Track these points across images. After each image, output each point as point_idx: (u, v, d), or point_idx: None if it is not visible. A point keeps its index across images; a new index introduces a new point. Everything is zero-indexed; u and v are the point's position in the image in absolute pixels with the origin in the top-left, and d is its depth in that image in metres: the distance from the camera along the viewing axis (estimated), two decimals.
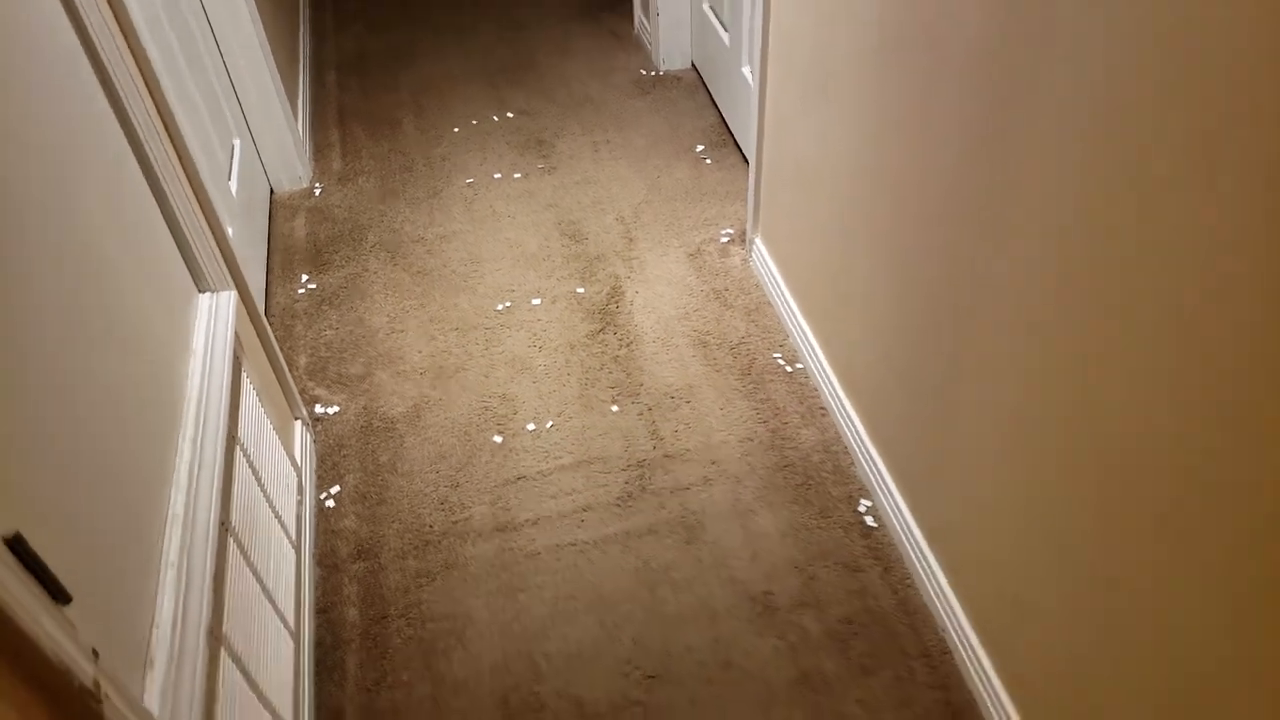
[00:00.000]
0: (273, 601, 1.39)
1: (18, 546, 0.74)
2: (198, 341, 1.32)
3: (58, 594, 0.78)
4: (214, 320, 1.38)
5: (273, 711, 1.27)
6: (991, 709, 1.41)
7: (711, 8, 2.68)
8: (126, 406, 1.02)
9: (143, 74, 1.29)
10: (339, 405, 1.97)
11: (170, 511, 1.09)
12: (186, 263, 1.31)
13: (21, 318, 0.84)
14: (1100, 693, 1.15)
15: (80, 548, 0.85)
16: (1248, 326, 0.81)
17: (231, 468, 1.31)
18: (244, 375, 1.47)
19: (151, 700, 0.92)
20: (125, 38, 1.25)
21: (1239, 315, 0.82)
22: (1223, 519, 0.88)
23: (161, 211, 1.26)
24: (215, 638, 1.13)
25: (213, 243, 1.39)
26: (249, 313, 1.58)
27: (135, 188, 1.21)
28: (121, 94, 1.19)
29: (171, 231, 1.28)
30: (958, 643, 1.49)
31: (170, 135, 1.34)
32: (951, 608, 1.50)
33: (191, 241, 1.30)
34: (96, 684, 0.78)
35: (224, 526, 1.24)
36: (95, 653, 0.80)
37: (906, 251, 1.44)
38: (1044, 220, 1.07)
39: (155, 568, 1.01)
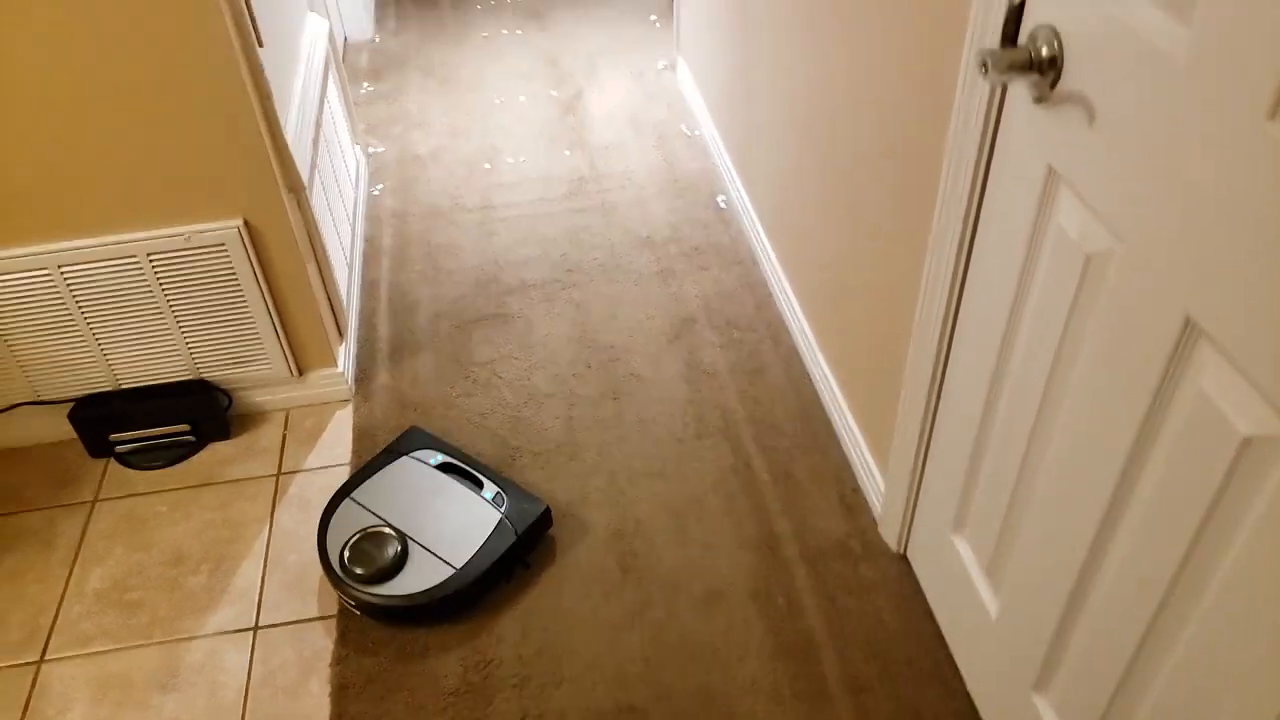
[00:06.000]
0: (341, 199, 2.35)
1: (247, 5, 1.68)
2: (304, 39, 2.28)
3: (259, 38, 1.72)
4: (316, 30, 2.34)
5: (340, 240, 2.22)
6: (771, 280, 2.31)
7: None
8: (288, 16, 1.98)
9: None
10: (384, 147, 2.93)
11: (294, 88, 2.04)
12: None
13: None
14: (802, 231, 2.06)
15: (270, 40, 1.79)
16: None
17: (321, 113, 2.26)
18: (330, 78, 2.43)
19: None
20: None
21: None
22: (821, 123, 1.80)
23: None
24: (313, 164, 2.08)
25: None
26: (334, 54, 2.54)
27: None
28: None
29: None
30: (760, 254, 2.40)
31: None
32: (759, 234, 2.40)
33: None
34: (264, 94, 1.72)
35: (317, 126, 2.19)
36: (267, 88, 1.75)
37: (736, 39, 2.37)
38: (775, 25, 2.00)
39: (292, 83, 1.96)
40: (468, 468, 1.81)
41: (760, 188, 2.36)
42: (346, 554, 1.66)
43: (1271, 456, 0.79)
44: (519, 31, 3.56)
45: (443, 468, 1.81)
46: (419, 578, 1.64)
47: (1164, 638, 0.97)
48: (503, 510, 1.73)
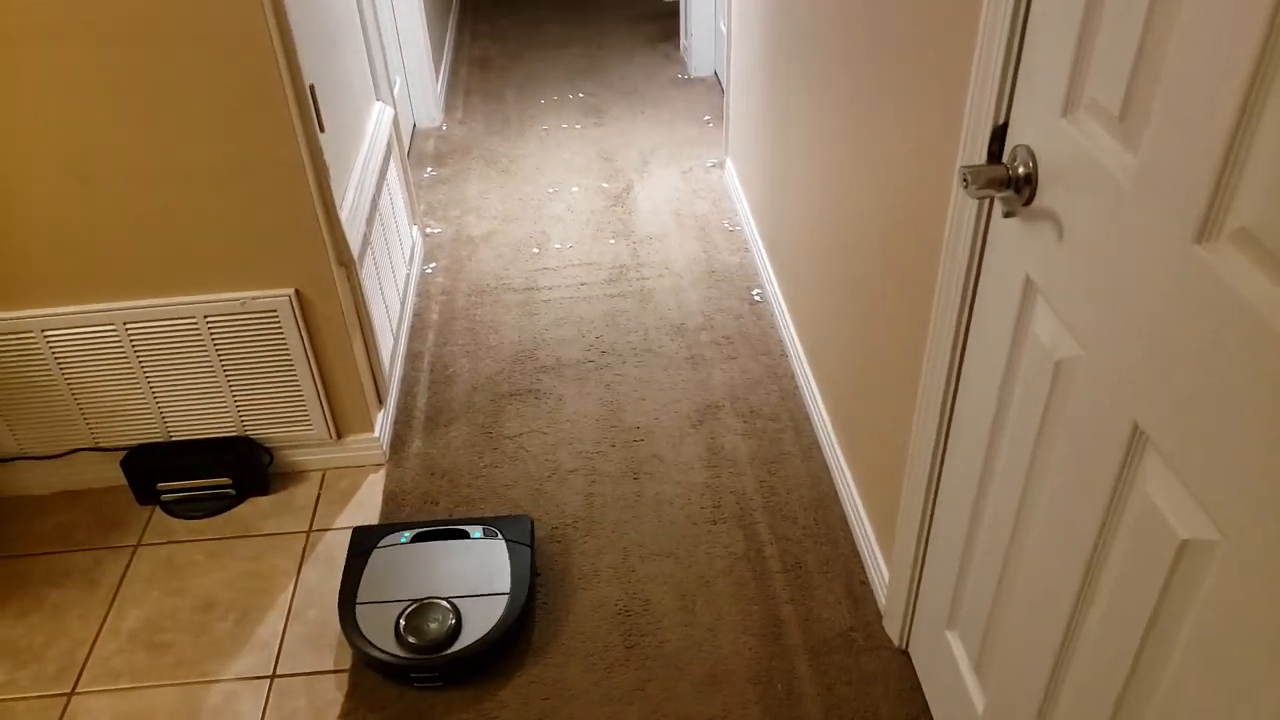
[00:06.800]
0: (393, 275, 2.49)
1: (311, 93, 1.84)
2: (369, 125, 2.46)
3: (321, 124, 1.88)
4: (381, 117, 2.52)
5: (389, 313, 2.35)
6: (798, 372, 2.38)
7: (724, 26, 3.82)
8: (353, 104, 2.14)
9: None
10: (441, 229, 3.10)
11: (353, 170, 2.19)
12: (372, 72, 2.47)
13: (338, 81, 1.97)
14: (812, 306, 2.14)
15: (332, 126, 1.95)
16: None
17: (378, 194, 2.42)
18: (391, 163, 2.60)
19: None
20: None
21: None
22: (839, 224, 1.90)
23: (366, 46, 2.43)
24: (366, 241, 2.22)
25: (384, 68, 2.55)
26: (398, 140, 2.72)
27: (357, 35, 2.37)
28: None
29: (369, 55, 2.44)
30: (788, 347, 2.47)
31: (377, 21, 2.51)
32: (789, 328, 2.48)
33: (375, 62, 2.46)
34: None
35: (374, 206, 2.34)
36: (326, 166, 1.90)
37: (772, 145, 2.50)
38: (810, 133, 2.12)
39: (352, 165, 2.11)
40: (441, 527, 1.89)
41: (790, 284, 2.45)
42: (404, 637, 1.69)
43: (1205, 560, 0.83)
44: (578, 127, 3.74)
45: (418, 539, 1.87)
46: (484, 619, 1.72)
47: None
48: (502, 537, 1.86)
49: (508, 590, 1.76)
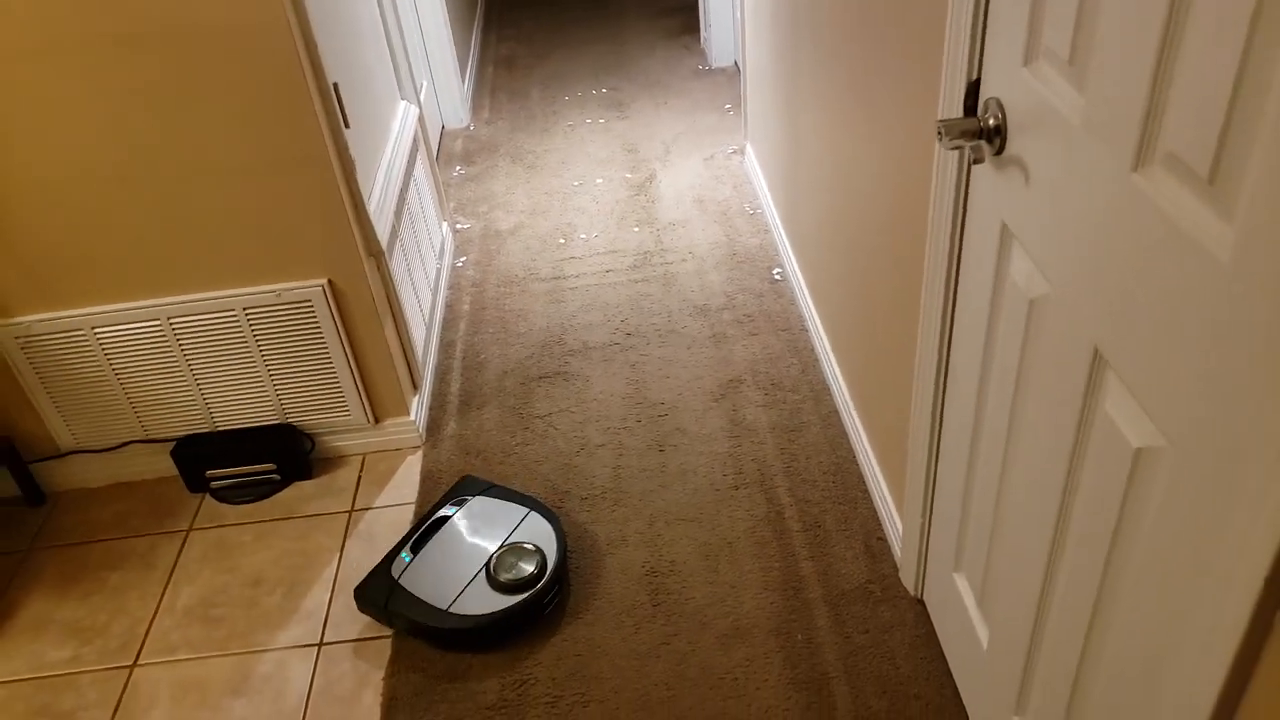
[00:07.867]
0: (424, 268, 2.59)
1: (335, 90, 1.94)
2: (395, 123, 2.56)
3: (345, 120, 1.98)
4: (406, 115, 2.63)
5: (421, 304, 2.46)
6: (817, 345, 2.44)
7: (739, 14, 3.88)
8: (378, 102, 2.24)
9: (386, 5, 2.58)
10: (470, 224, 3.20)
11: (380, 165, 2.30)
12: (395, 72, 2.57)
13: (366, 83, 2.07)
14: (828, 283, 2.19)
15: (356, 123, 2.05)
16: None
17: (405, 188, 2.52)
18: (419, 160, 2.71)
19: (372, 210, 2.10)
20: None
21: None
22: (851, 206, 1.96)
23: (389, 47, 2.53)
24: (394, 233, 2.32)
25: (408, 69, 2.66)
26: (424, 137, 2.83)
27: (379, 36, 2.47)
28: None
29: (391, 57, 2.55)
30: (808, 321, 2.53)
31: (399, 24, 2.62)
32: (808, 302, 2.54)
33: (398, 62, 2.56)
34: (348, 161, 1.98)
35: (401, 199, 2.44)
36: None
37: (785, 125, 2.56)
38: (817, 110, 2.18)
39: (378, 161, 2.22)
40: (427, 523, 1.96)
41: (807, 259, 2.51)
42: (510, 587, 1.80)
43: (1154, 465, 0.88)
44: (602, 121, 3.83)
45: (418, 544, 1.92)
46: (545, 532, 1.92)
47: (1099, 649, 1.04)
48: (480, 494, 2.03)
49: (530, 508, 1.98)
